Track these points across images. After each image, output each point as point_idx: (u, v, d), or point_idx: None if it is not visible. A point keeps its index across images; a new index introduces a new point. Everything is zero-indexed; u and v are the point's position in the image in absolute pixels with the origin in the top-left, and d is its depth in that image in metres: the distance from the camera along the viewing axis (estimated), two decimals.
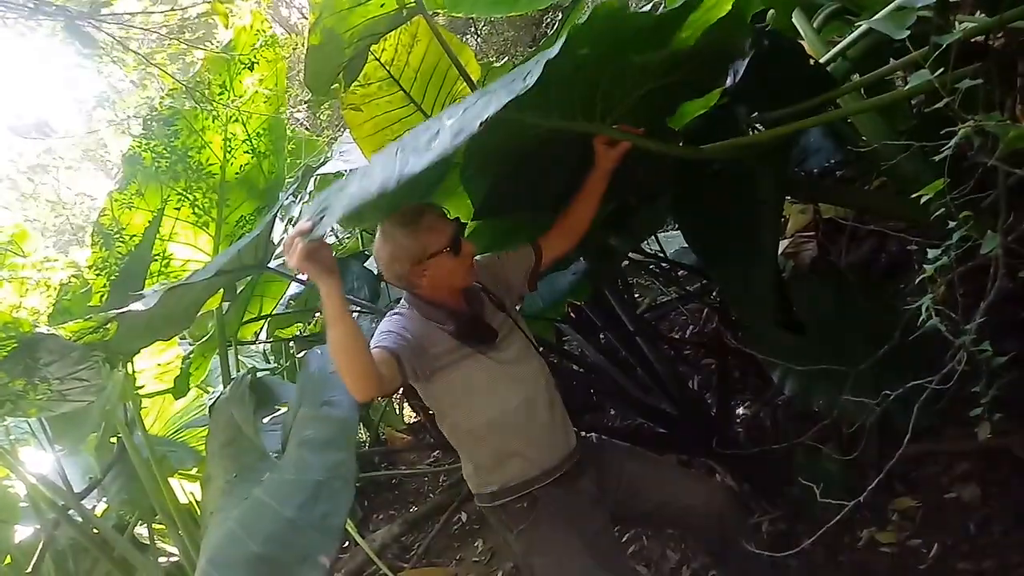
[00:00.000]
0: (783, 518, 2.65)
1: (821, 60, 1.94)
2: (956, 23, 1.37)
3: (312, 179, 4.05)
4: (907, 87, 1.25)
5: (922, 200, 1.13)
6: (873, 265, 3.24)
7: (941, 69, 1.11)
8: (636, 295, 4.39)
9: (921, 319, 1.14)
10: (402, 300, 1.95)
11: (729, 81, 1.89)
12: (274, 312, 3.64)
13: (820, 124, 2.01)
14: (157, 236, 2.74)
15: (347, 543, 4.05)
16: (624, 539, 3.05)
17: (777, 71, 1.79)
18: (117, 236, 2.65)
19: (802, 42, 2.15)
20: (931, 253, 1.15)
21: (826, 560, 2.36)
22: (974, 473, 2.30)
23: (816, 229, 3.22)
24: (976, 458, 2.32)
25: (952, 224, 1.11)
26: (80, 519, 2.87)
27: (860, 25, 1.81)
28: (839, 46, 1.89)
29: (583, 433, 2.14)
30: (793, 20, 2.19)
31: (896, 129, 2.22)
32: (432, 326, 1.85)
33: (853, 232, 3.26)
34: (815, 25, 2.26)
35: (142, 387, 3.12)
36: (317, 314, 4.44)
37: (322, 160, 3.98)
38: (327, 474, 1.82)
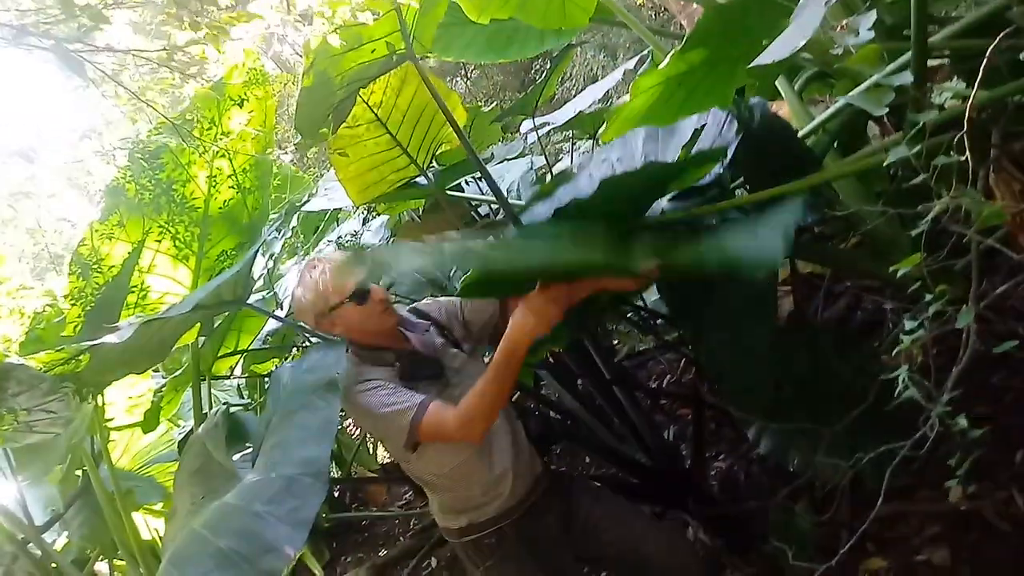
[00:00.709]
0: (756, 575, 2.63)
1: (802, 131, 1.98)
2: (933, 90, 1.41)
3: (296, 216, 4.05)
4: (885, 162, 1.28)
5: (899, 273, 1.16)
6: (848, 322, 3.28)
7: (917, 147, 1.14)
8: (615, 342, 4.40)
9: (898, 390, 1.15)
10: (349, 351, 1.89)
11: (719, 168, 1.85)
12: (251, 347, 3.61)
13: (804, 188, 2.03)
14: (136, 268, 2.72)
15: None
16: None
17: (773, 152, 1.79)
18: (95, 266, 2.62)
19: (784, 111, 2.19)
20: (907, 325, 1.17)
21: None
22: (945, 536, 2.31)
23: (793, 284, 3.25)
24: (947, 521, 2.33)
25: (929, 297, 1.13)
26: (39, 553, 2.79)
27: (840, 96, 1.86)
28: (819, 119, 1.93)
29: (551, 467, 2.13)
30: (776, 84, 2.24)
31: (873, 189, 2.27)
32: (382, 370, 1.82)
33: (828, 289, 3.30)
34: (796, 87, 2.32)
35: (111, 420, 3.06)
36: (294, 349, 4.41)
37: (307, 197, 3.99)
38: (298, 470, 1.77)
